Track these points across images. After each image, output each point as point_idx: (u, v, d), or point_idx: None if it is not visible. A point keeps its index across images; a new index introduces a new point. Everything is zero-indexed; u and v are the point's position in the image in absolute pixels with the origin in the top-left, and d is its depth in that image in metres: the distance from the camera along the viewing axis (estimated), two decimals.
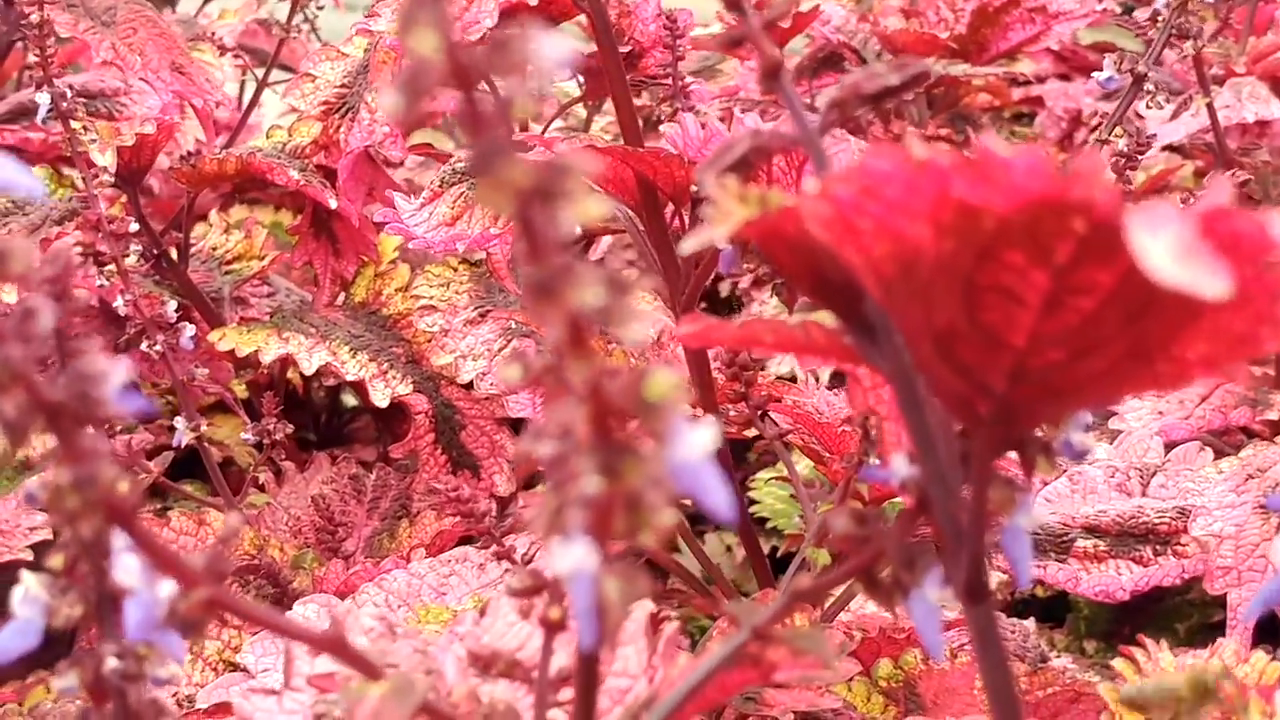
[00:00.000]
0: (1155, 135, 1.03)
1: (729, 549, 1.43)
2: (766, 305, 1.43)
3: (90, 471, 0.33)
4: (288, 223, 1.62)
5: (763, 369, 1.01)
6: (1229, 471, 0.90)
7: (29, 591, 0.41)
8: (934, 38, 1.69)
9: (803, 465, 1.21)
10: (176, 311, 1.08)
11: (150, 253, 1.19)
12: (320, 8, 1.67)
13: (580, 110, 1.69)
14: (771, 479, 1.39)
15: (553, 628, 0.49)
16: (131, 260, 1.07)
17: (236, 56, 1.60)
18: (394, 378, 1.14)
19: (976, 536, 0.42)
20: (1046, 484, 0.94)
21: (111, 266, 1.05)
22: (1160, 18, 1.05)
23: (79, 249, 1.20)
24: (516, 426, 1.18)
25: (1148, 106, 1.07)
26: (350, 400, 1.52)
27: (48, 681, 1.02)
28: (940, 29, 1.73)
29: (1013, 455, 0.42)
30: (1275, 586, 0.45)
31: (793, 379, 0.99)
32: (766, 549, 1.36)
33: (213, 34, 1.54)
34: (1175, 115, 1.24)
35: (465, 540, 1.03)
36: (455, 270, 1.16)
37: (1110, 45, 1.97)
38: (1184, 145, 1.47)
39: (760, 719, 0.73)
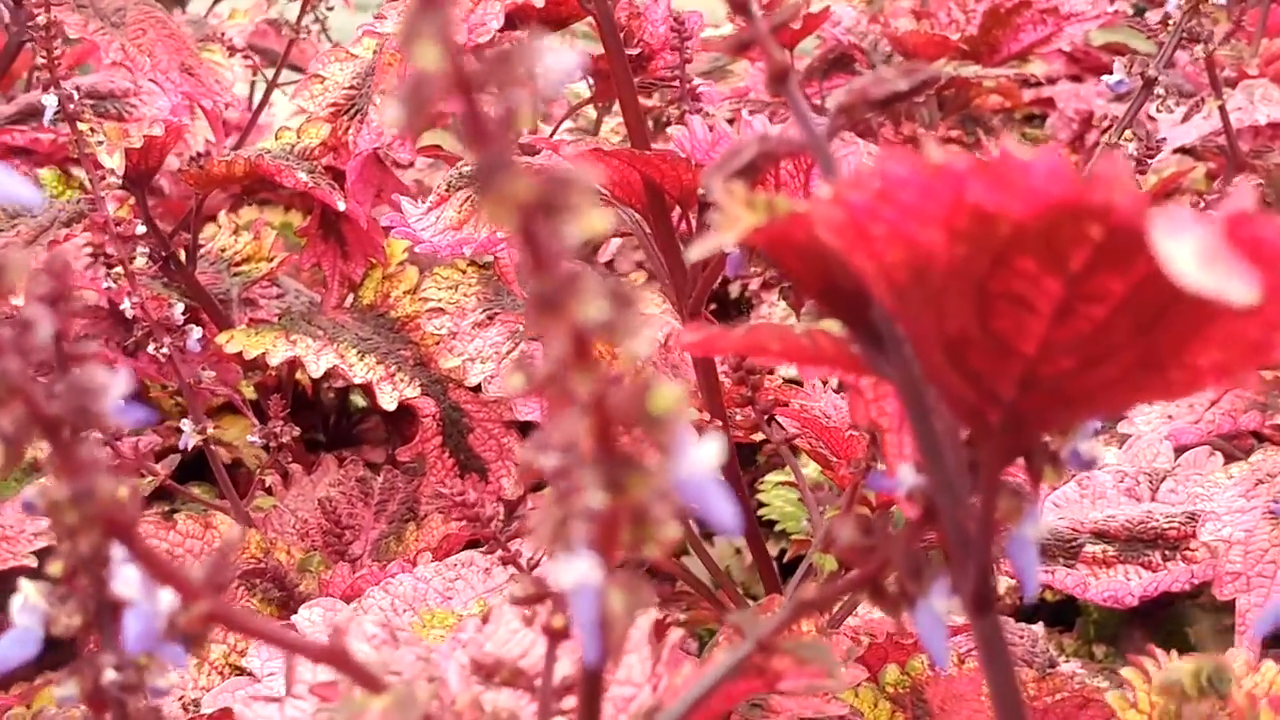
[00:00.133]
0: (1165, 139, 1.03)
1: (738, 551, 1.42)
2: (776, 307, 1.43)
3: (88, 485, 0.32)
4: (298, 223, 1.61)
5: (771, 372, 1.00)
6: (1238, 477, 0.90)
7: (28, 600, 0.41)
8: (945, 39, 1.68)
9: (811, 468, 1.20)
10: (183, 314, 1.08)
11: (158, 254, 1.19)
12: (330, 8, 1.67)
13: (590, 111, 1.68)
14: (780, 482, 1.38)
15: (556, 636, 0.49)
16: (140, 262, 1.07)
17: (246, 57, 1.59)
18: (402, 380, 1.13)
19: (984, 546, 0.42)
20: (1055, 489, 0.94)
21: (119, 268, 1.05)
22: (1171, 21, 1.04)
23: (88, 250, 1.20)
24: (525, 429, 1.18)
25: (1158, 110, 1.06)
26: (360, 401, 1.52)
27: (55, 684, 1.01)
28: (951, 30, 1.72)
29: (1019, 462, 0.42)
30: None
31: (800, 382, 0.98)
32: (775, 551, 1.36)
33: (222, 34, 1.54)
34: (1187, 117, 1.24)
35: (472, 544, 1.03)
36: (464, 273, 1.16)
37: (1123, 46, 1.96)
38: (1196, 147, 1.47)
39: None
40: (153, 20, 1.24)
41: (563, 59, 0.27)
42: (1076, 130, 1.78)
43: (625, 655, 0.55)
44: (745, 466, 1.37)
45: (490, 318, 1.11)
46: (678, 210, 0.93)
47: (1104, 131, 1.07)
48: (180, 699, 0.92)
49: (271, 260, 1.29)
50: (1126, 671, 0.66)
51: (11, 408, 0.31)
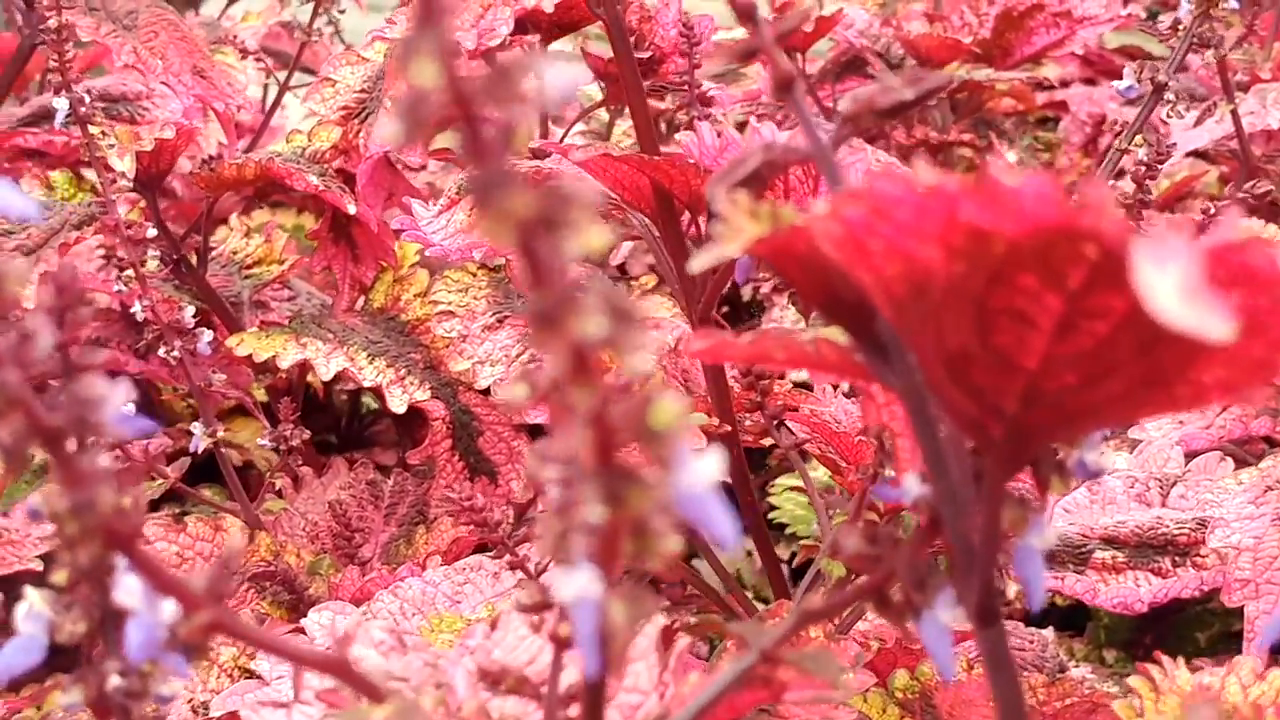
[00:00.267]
0: (1175, 144, 1.02)
1: (749, 554, 1.42)
2: (787, 311, 1.43)
3: (89, 496, 0.32)
4: (310, 226, 1.61)
5: (781, 377, 1.00)
6: (1248, 483, 0.90)
7: (33, 608, 0.41)
8: (957, 42, 1.68)
9: (822, 473, 1.20)
10: (194, 316, 1.08)
11: (169, 257, 1.19)
12: (342, 11, 1.67)
13: (603, 114, 1.68)
14: (791, 486, 1.38)
15: (562, 644, 0.49)
16: (151, 265, 1.07)
17: (259, 60, 1.59)
18: (411, 383, 1.13)
19: (988, 558, 0.42)
20: (1065, 494, 0.94)
21: (130, 271, 1.05)
22: (1181, 26, 1.04)
23: (101, 252, 1.20)
24: (535, 432, 1.18)
25: (1168, 115, 1.06)
26: (372, 404, 1.52)
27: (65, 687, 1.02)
28: (964, 33, 1.72)
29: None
30: None
31: (811, 386, 0.98)
32: (786, 554, 1.36)
33: (235, 37, 1.54)
34: (1200, 121, 1.24)
35: (482, 547, 1.03)
36: (474, 276, 1.16)
37: (1137, 50, 1.96)
38: (1209, 151, 1.46)
39: None
40: (165, 23, 1.24)
41: (562, 74, 0.27)
42: (1089, 134, 1.78)
43: (632, 663, 0.55)
44: (756, 470, 1.37)
45: (500, 321, 1.11)
46: (687, 215, 0.93)
47: (1115, 136, 1.07)
48: (189, 701, 0.93)
49: (283, 263, 1.29)
50: (1134, 680, 0.66)
51: (11, 419, 0.31)
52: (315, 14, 1.57)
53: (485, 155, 0.27)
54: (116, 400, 0.34)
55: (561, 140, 1.32)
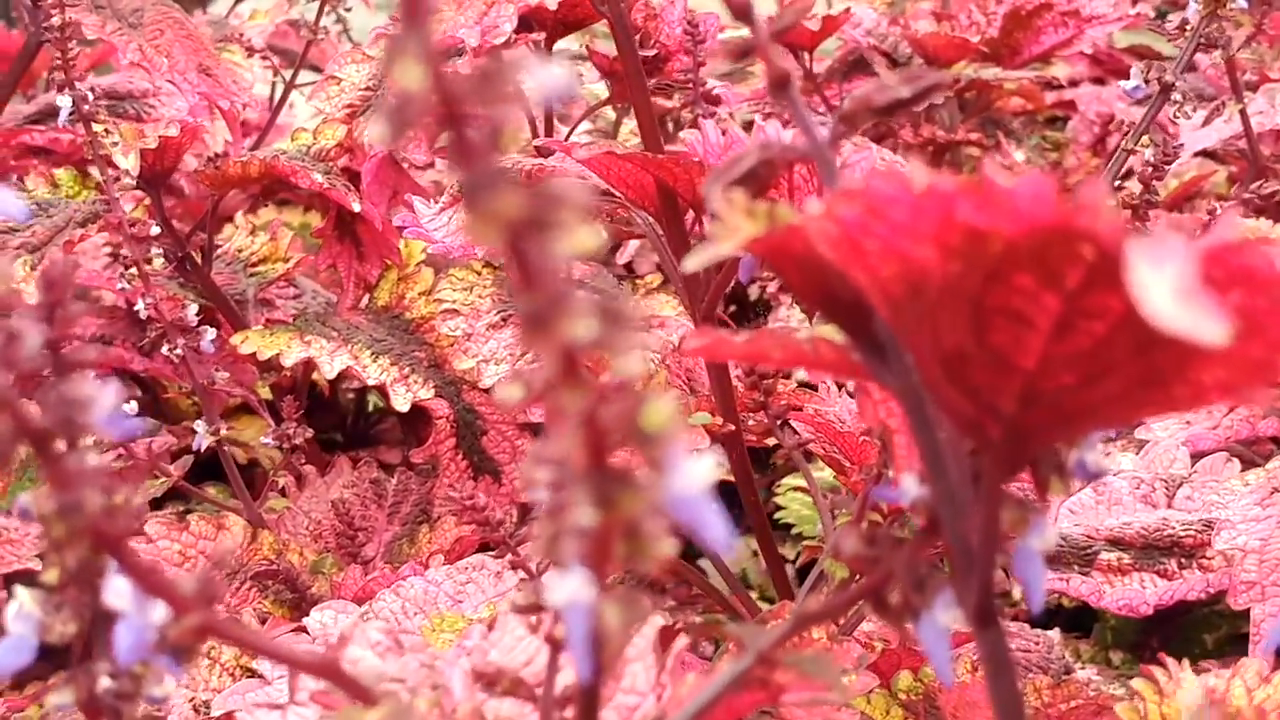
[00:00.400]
0: (1182, 144, 1.02)
1: (755, 554, 1.42)
2: (794, 309, 1.42)
3: (75, 499, 0.32)
4: (316, 224, 1.61)
5: (786, 376, 1.00)
6: (1255, 484, 0.89)
7: (23, 608, 0.41)
8: (965, 41, 1.67)
9: (827, 473, 1.20)
10: (199, 314, 1.08)
11: (174, 255, 1.19)
12: (349, 9, 1.67)
13: (610, 112, 1.68)
14: (797, 486, 1.38)
15: (558, 646, 0.49)
16: (156, 263, 1.07)
17: (265, 58, 1.59)
18: (415, 382, 1.13)
19: (987, 559, 0.42)
20: (1071, 495, 0.93)
21: (134, 269, 1.05)
22: (1189, 26, 1.03)
23: (107, 249, 1.20)
24: (539, 432, 1.17)
25: (1175, 116, 1.06)
26: (378, 401, 1.52)
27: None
28: (972, 32, 1.71)
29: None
30: None
31: (815, 386, 0.98)
32: (792, 554, 1.36)
33: (241, 35, 1.54)
34: (1208, 121, 1.23)
35: (485, 546, 1.03)
36: (479, 274, 1.15)
37: (1147, 49, 1.95)
38: (1217, 151, 1.46)
39: None
40: (170, 21, 1.24)
41: (550, 75, 0.26)
42: (1098, 133, 1.78)
43: (629, 664, 0.55)
44: (762, 469, 1.37)
45: (505, 319, 1.10)
46: (691, 214, 0.93)
47: (1123, 136, 1.07)
48: (191, 700, 0.92)
49: (288, 261, 1.29)
50: (1137, 683, 0.66)
51: None
52: (320, 12, 1.57)
53: (473, 156, 0.27)
54: (105, 401, 0.34)
55: (567, 138, 1.31)
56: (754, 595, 1.27)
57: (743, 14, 0.43)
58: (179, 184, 1.60)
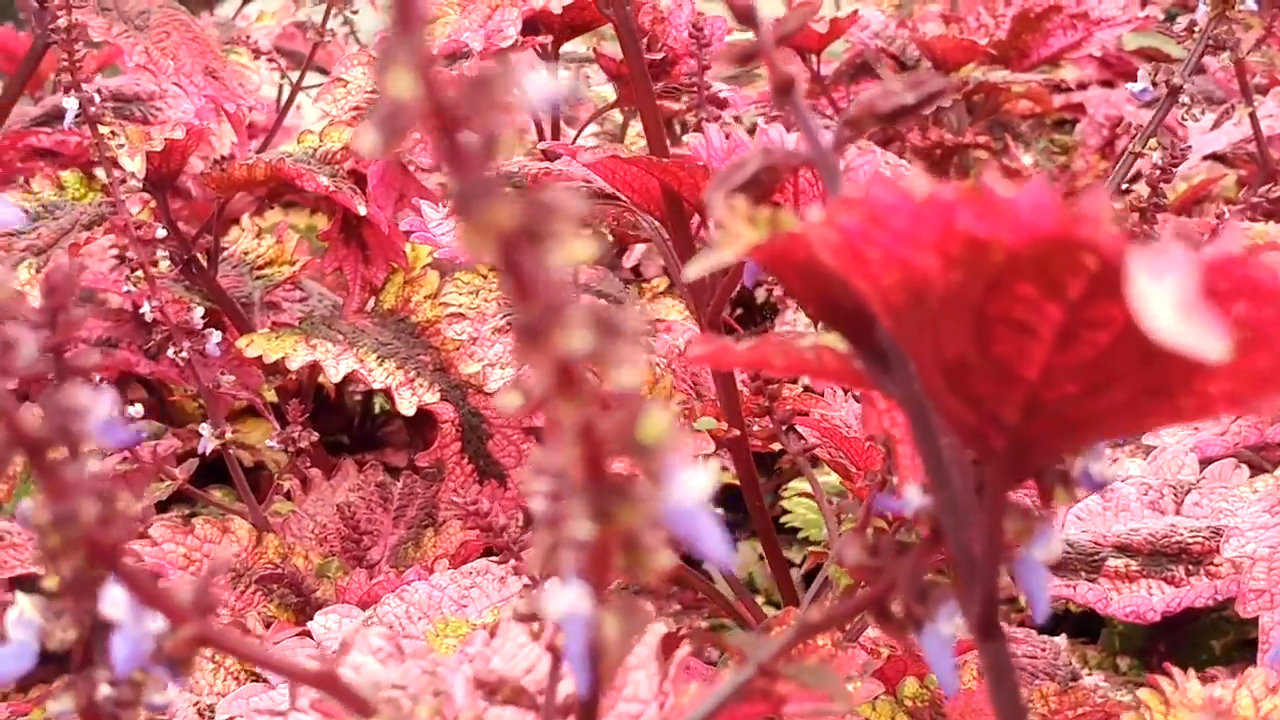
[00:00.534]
0: (1190, 148, 1.01)
1: (761, 558, 1.42)
2: (800, 314, 1.42)
3: (71, 509, 0.32)
4: (323, 226, 1.61)
5: (793, 381, 1.00)
6: (1264, 491, 0.89)
7: (23, 614, 0.41)
8: (973, 44, 1.67)
9: (834, 477, 1.20)
10: (204, 317, 1.08)
11: (180, 257, 1.19)
12: (355, 11, 1.67)
13: (617, 115, 1.68)
14: (803, 492, 1.38)
15: (559, 654, 0.48)
16: (162, 265, 1.07)
17: (272, 60, 1.59)
18: (421, 385, 1.13)
19: (990, 570, 0.41)
20: (1072, 504, 0.93)
21: (139, 272, 1.05)
22: (1197, 28, 1.03)
23: (114, 251, 1.20)
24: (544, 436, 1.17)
25: (1184, 119, 1.05)
26: (384, 404, 1.52)
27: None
28: (980, 35, 1.71)
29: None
30: None
31: (821, 390, 0.98)
32: (799, 558, 1.35)
33: (248, 37, 1.54)
34: (1218, 123, 1.23)
35: (490, 551, 1.03)
36: (485, 278, 1.15)
37: (1156, 51, 1.94)
38: (1227, 154, 1.45)
39: None
40: (177, 24, 1.24)
41: (545, 85, 0.26)
42: (1106, 136, 1.77)
43: (631, 672, 0.54)
44: (769, 473, 1.36)
45: (510, 324, 1.10)
46: (697, 218, 0.93)
47: (1130, 139, 1.06)
48: (195, 705, 0.92)
49: (294, 264, 1.28)
50: (1143, 693, 0.65)
51: None
52: (329, 14, 1.57)
53: (465, 166, 0.26)
54: (101, 409, 0.33)
55: (574, 140, 1.31)
56: (760, 599, 1.27)
57: (746, 18, 0.43)
58: (185, 186, 1.60)
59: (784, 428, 0.90)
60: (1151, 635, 1.16)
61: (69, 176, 1.18)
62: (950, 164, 1.72)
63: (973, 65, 1.67)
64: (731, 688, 0.43)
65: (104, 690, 0.41)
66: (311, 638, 0.88)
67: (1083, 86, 1.95)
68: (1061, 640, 0.96)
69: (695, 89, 1.13)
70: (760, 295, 1.60)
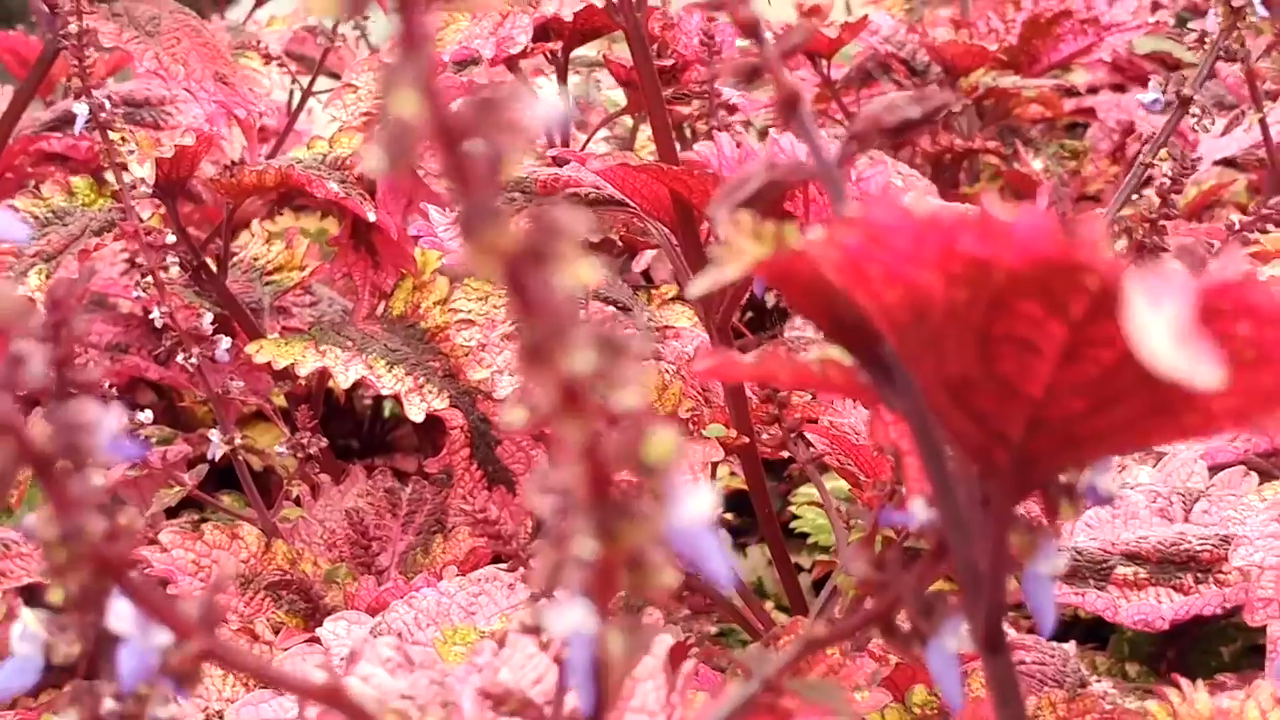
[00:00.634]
0: (1200, 158, 1.01)
1: (770, 562, 1.41)
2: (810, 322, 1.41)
3: (77, 524, 0.32)
4: (334, 230, 1.61)
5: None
6: (1273, 499, 0.88)
7: (27, 628, 0.41)
8: (983, 49, 1.67)
9: (843, 483, 1.19)
10: (214, 323, 1.08)
11: (189, 263, 1.19)
12: (366, 16, 1.67)
13: (627, 120, 1.68)
14: (813, 500, 1.37)
15: (565, 668, 0.48)
16: (172, 271, 1.07)
17: (282, 64, 1.59)
18: (430, 392, 1.13)
19: (995, 584, 0.41)
20: (1077, 518, 0.93)
21: (149, 278, 1.05)
22: (1208, 38, 1.03)
23: (124, 256, 1.20)
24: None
25: (1195, 127, 1.05)
26: (394, 409, 1.52)
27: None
28: (990, 40, 1.70)
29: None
30: None
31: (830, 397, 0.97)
32: (808, 564, 1.35)
33: (259, 41, 1.54)
34: (1228, 129, 1.22)
35: (499, 558, 1.03)
36: (494, 284, 1.15)
37: (1168, 56, 1.94)
38: (1238, 159, 1.45)
39: None
40: (187, 29, 1.24)
41: (550, 105, 0.26)
42: (1117, 141, 1.77)
43: (639, 683, 0.54)
44: (778, 478, 1.36)
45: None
46: (706, 225, 0.93)
47: (1141, 146, 1.06)
48: (204, 710, 0.92)
49: (304, 269, 1.29)
50: (1151, 704, 0.65)
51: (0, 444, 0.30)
52: (338, 19, 1.57)
53: (470, 186, 0.26)
54: (108, 424, 0.34)
55: (584, 146, 1.31)
56: (769, 604, 1.27)
57: (751, 32, 0.43)
58: (195, 191, 1.60)
59: (793, 435, 0.90)
60: (1160, 642, 1.16)
61: (79, 182, 1.18)
62: (960, 169, 1.72)
63: (983, 70, 1.67)
64: (737, 703, 0.43)
65: (109, 704, 0.41)
66: (320, 644, 0.88)
67: (1093, 91, 1.94)
68: (1071, 647, 0.96)
69: (706, 95, 1.13)
70: (771, 299, 1.60)
